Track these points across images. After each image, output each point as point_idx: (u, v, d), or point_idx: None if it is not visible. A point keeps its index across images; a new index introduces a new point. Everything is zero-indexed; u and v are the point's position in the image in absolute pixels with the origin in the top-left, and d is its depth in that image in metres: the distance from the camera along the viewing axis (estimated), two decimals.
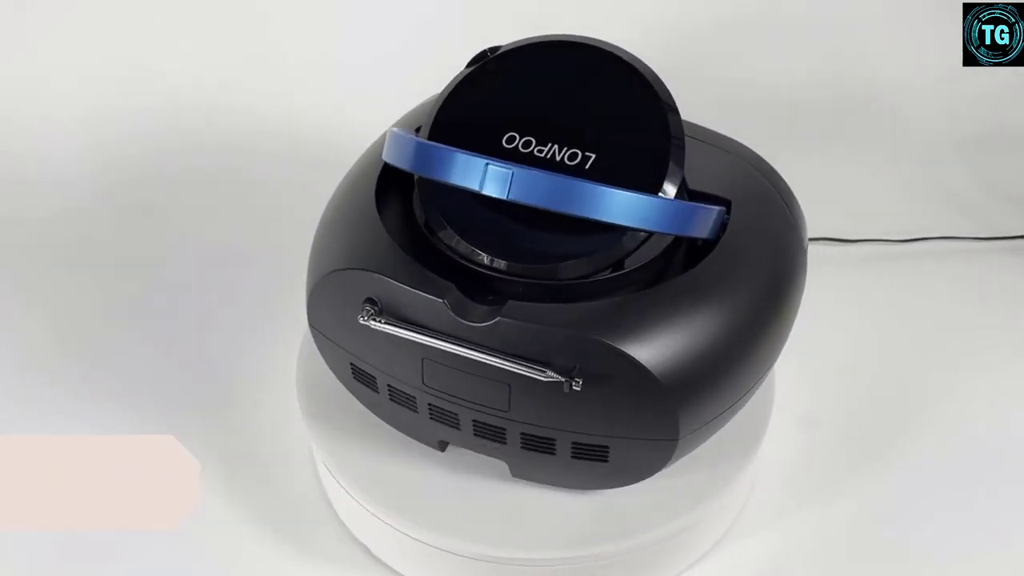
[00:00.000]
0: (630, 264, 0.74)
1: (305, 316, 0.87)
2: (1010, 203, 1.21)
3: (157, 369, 1.03)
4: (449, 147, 0.73)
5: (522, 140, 0.74)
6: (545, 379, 0.69)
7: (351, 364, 0.80)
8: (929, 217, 1.19)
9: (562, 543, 0.79)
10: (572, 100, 0.75)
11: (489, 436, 0.78)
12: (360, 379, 0.81)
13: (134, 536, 0.89)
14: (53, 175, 1.24)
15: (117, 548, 0.89)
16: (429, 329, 0.72)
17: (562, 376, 0.69)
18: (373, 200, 0.78)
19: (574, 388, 0.69)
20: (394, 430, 0.84)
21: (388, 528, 0.81)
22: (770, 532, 0.89)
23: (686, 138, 0.76)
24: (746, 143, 0.89)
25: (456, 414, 0.77)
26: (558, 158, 0.73)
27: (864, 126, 1.33)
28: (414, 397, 0.78)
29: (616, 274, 0.73)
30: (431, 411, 0.79)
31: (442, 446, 0.83)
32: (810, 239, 1.13)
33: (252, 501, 0.91)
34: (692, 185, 0.78)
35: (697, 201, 0.76)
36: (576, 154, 0.73)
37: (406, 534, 0.81)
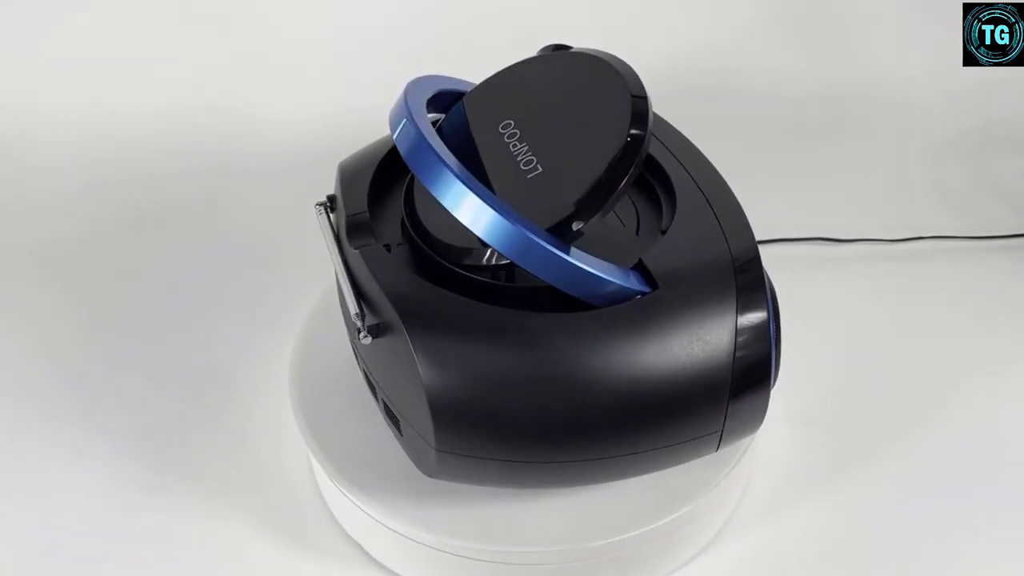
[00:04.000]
0: (523, 280, 0.73)
1: (298, 321, 0.95)
2: (1005, 202, 1.21)
3: (153, 373, 1.03)
4: (403, 101, 0.75)
5: (510, 131, 0.75)
6: (353, 318, 0.73)
7: None
8: (924, 217, 1.19)
9: (555, 540, 0.79)
10: (574, 115, 0.74)
11: (359, 356, 0.82)
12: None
13: (131, 537, 0.90)
14: (46, 181, 1.25)
15: (115, 549, 0.89)
16: (336, 239, 0.78)
17: (361, 325, 0.72)
18: None
19: (361, 339, 0.72)
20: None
21: (382, 527, 0.82)
22: (765, 530, 0.89)
23: (704, 199, 0.76)
24: (743, 142, 0.88)
25: (348, 322, 0.82)
26: (518, 159, 0.73)
27: (862, 125, 1.33)
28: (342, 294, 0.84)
29: (497, 282, 0.74)
30: (343, 313, 0.84)
31: None
32: (805, 239, 1.15)
33: (248, 502, 0.91)
34: (662, 258, 0.73)
35: (637, 271, 0.72)
36: (531, 162, 0.72)
37: (400, 533, 0.81)
